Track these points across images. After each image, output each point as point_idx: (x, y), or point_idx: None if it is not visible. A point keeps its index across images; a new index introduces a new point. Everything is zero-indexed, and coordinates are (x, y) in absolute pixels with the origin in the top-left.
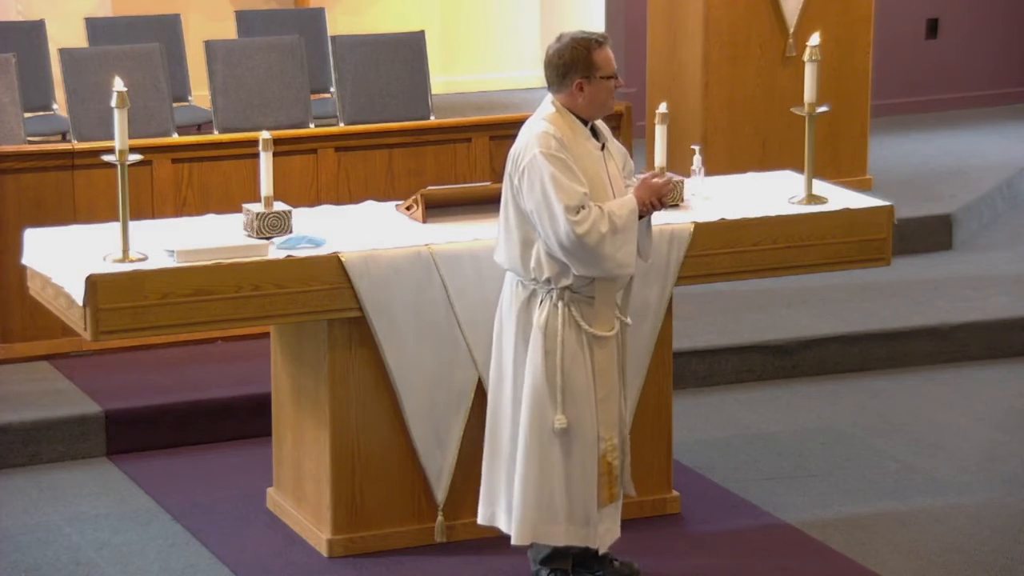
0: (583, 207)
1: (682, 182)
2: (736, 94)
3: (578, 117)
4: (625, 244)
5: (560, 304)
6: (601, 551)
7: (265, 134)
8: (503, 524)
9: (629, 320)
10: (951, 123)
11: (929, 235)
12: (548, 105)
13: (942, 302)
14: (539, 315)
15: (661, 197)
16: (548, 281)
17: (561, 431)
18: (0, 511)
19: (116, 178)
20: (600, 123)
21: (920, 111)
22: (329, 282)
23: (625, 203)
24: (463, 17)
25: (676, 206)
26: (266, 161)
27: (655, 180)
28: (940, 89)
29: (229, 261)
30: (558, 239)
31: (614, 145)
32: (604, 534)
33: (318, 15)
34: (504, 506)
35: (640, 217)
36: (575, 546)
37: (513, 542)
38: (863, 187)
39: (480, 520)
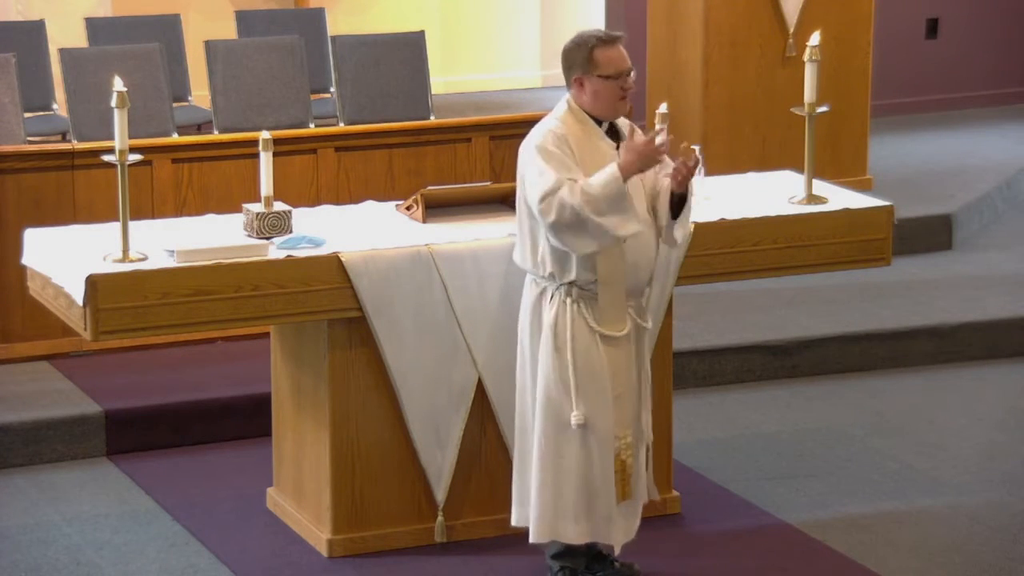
0: (551, 194)
1: (696, 150)
2: (736, 94)
3: (592, 116)
4: (608, 211)
5: (568, 301)
6: (616, 551)
7: (265, 134)
8: None
9: (648, 323)
10: (951, 123)
11: (929, 235)
12: (563, 102)
13: (942, 302)
14: (549, 312)
15: (647, 155)
16: (553, 276)
17: (578, 428)
18: (0, 511)
19: (116, 178)
20: (623, 122)
21: (920, 111)
22: (329, 282)
23: (604, 171)
24: (463, 17)
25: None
26: (266, 161)
27: (636, 140)
28: (940, 89)
29: (229, 261)
30: (545, 228)
31: None
32: (616, 533)
33: (318, 15)
34: None
35: (625, 178)
36: (591, 544)
37: (531, 540)
38: (863, 187)
39: (514, 522)
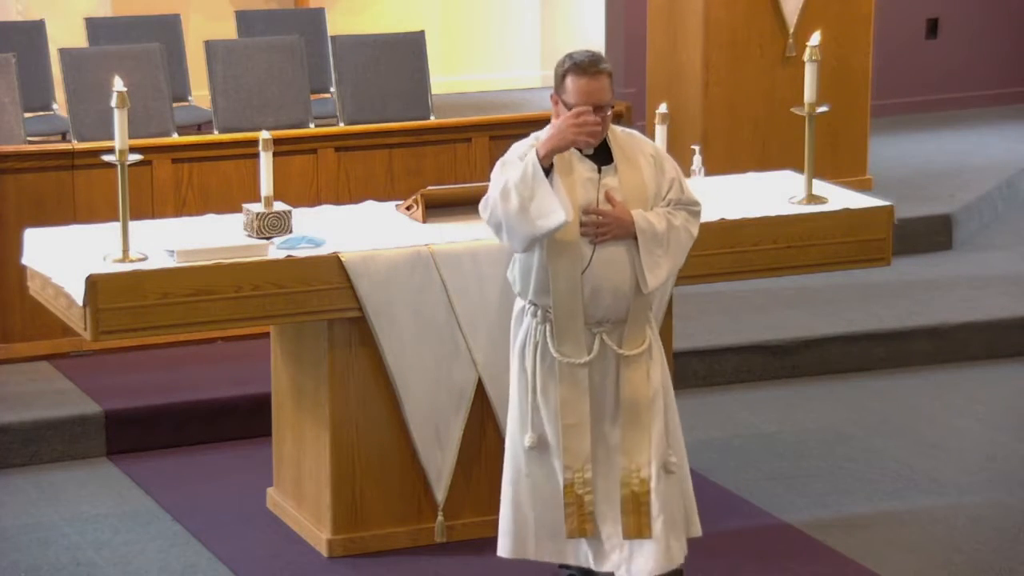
0: (488, 196)
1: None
2: (736, 94)
3: None
4: (525, 198)
5: (535, 321)
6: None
7: (265, 134)
8: None
9: (626, 351)
10: (951, 123)
11: (929, 235)
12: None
13: (942, 302)
14: (520, 329)
15: (562, 129)
16: (520, 294)
17: (530, 449)
18: (0, 511)
19: (116, 178)
20: (631, 146)
21: (920, 111)
22: (329, 282)
23: (526, 159)
24: (463, 17)
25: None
26: (266, 161)
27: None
28: (940, 89)
29: (229, 261)
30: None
31: (645, 171)
32: (597, 557)
33: (318, 15)
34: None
35: (543, 158)
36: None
37: (498, 553)
38: (863, 187)
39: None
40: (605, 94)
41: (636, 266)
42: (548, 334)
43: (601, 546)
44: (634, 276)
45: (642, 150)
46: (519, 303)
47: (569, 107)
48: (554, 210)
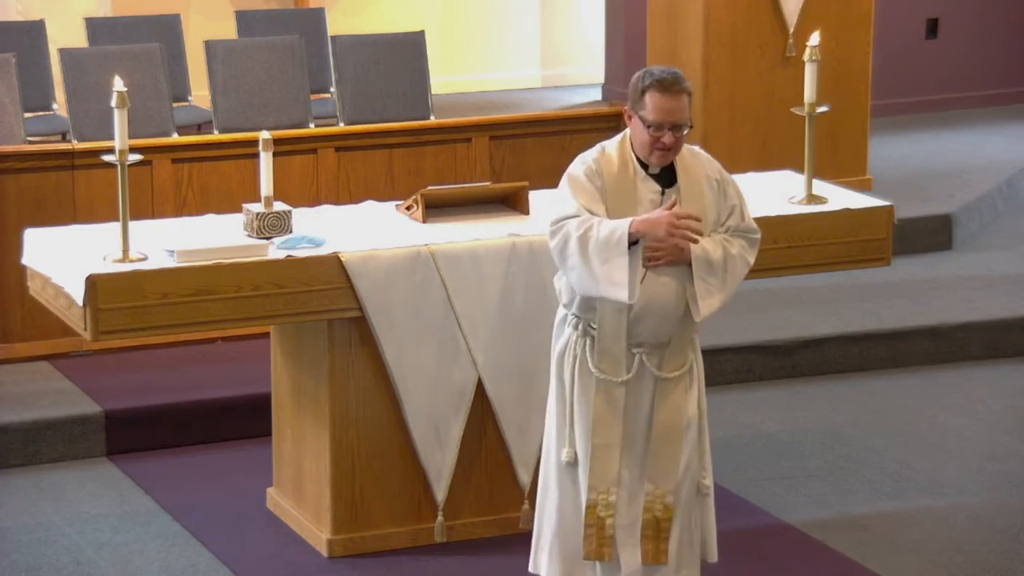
0: (563, 219)
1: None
2: (736, 94)
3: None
4: (597, 260)
5: (576, 334)
6: None
7: (265, 134)
8: None
9: (665, 374)
10: (951, 123)
11: (929, 235)
12: (625, 131)
13: (942, 302)
14: (561, 340)
15: (657, 225)
16: (566, 305)
17: (566, 464)
18: (0, 511)
19: (116, 178)
20: (697, 167)
21: (920, 111)
22: (329, 282)
23: (619, 221)
24: (463, 17)
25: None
26: (266, 161)
27: (662, 211)
28: (940, 89)
29: (229, 261)
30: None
31: (707, 196)
32: None
33: (318, 15)
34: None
35: (631, 235)
36: None
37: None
38: (863, 187)
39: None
40: (684, 113)
41: (688, 293)
42: (588, 348)
43: (617, 571)
44: (682, 302)
45: (707, 172)
46: (561, 311)
47: (647, 124)
48: (620, 286)
